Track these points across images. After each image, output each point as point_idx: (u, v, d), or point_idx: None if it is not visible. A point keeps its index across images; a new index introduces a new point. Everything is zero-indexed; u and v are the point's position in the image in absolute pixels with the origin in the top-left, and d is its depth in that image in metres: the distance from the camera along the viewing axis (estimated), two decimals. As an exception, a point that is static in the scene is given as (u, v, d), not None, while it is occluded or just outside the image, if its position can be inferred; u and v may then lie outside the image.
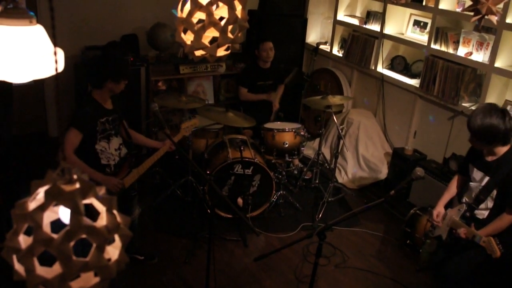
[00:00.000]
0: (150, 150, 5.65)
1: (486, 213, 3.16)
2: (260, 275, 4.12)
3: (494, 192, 3.09)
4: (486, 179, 3.12)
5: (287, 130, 4.85)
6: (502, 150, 3.05)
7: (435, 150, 5.24)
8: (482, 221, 3.16)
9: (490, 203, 3.14)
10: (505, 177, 3.01)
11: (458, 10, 4.88)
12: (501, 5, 4.15)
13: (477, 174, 3.19)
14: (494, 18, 2.68)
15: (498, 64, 4.49)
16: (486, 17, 2.65)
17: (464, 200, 3.30)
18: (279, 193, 4.98)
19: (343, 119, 5.95)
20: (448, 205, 3.43)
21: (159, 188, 5.15)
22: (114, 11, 5.99)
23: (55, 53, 1.11)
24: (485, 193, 3.11)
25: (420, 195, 4.95)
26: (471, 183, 3.24)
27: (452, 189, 3.45)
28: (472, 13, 2.86)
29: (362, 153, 5.73)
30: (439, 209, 3.38)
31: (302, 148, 5.00)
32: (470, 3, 2.94)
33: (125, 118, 3.73)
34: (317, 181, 5.35)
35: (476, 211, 3.19)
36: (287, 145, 4.81)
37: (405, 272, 4.29)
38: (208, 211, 4.13)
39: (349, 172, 5.75)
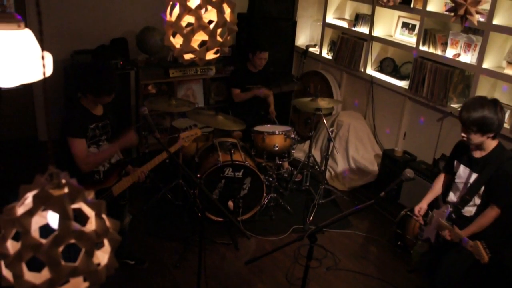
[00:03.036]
0: (140, 155, 5.66)
1: (473, 210, 3.13)
2: (251, 278, 4.11)
3: (482, 189, 3.06)
4: (473, 176, 3.09)
5: (277, 133, 4.86)
6: (491, 145, 3.03)
7: (425, 151, 5.27)
8: (470, 218, 3.13)
9: (477, 200, 3.10)
10: (493, 173, 2.99)
11: (446, 12, 4.92)
12: (485, 6, 4.20)
13: (463, 170, 3.16)
14: (475, 19, 2.70)
15: (485, 65, 4.52)
16: (468, 17, 2.67)
17: (449, 200, 3.28)
18: (269, 196, 4.97)
19: (333, 121, 5.96)
20: (434, 205, 3.40)
21: (150, 192, 5.12)
22: (104, 15, 5.98)
23: (42, 57, 1.11)
24: (472, 193, 3.08)
25: (411, 196, 4.97)
26: (456, 181, 3.22)
27: (436, 188, 3.41)
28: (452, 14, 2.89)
29: (352, 155, 5.75)
30: (421, 205, 3.35)
31: (292, 151, 5.01)
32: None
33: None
34: (307, 184, 5.36)
35: (463, 209, 3.19)
36: (277, 148, 4.82)
37: (397, 273, 4.30)
38: (199, 214, 4.11)
39: (339, 174, 5.76)
